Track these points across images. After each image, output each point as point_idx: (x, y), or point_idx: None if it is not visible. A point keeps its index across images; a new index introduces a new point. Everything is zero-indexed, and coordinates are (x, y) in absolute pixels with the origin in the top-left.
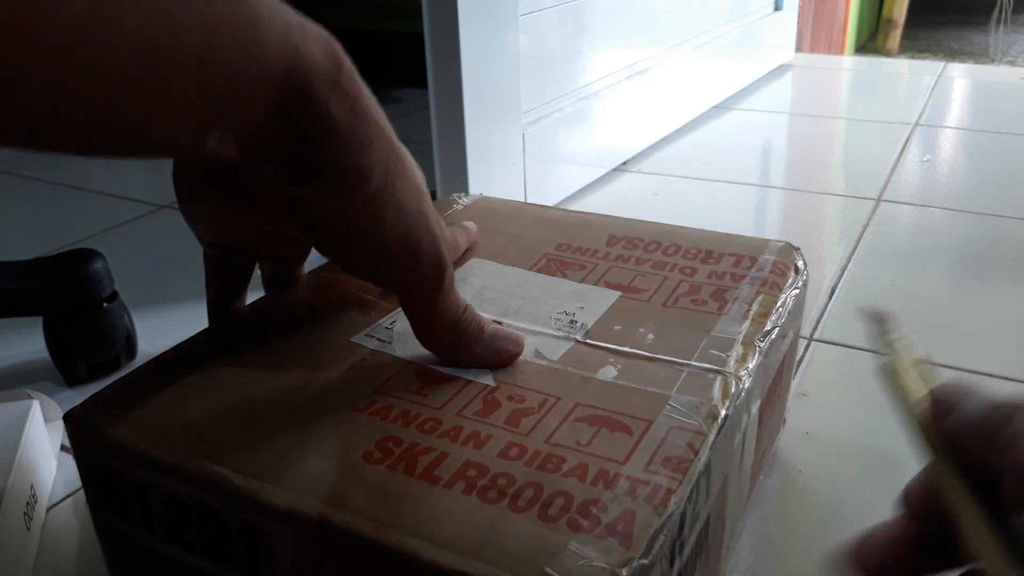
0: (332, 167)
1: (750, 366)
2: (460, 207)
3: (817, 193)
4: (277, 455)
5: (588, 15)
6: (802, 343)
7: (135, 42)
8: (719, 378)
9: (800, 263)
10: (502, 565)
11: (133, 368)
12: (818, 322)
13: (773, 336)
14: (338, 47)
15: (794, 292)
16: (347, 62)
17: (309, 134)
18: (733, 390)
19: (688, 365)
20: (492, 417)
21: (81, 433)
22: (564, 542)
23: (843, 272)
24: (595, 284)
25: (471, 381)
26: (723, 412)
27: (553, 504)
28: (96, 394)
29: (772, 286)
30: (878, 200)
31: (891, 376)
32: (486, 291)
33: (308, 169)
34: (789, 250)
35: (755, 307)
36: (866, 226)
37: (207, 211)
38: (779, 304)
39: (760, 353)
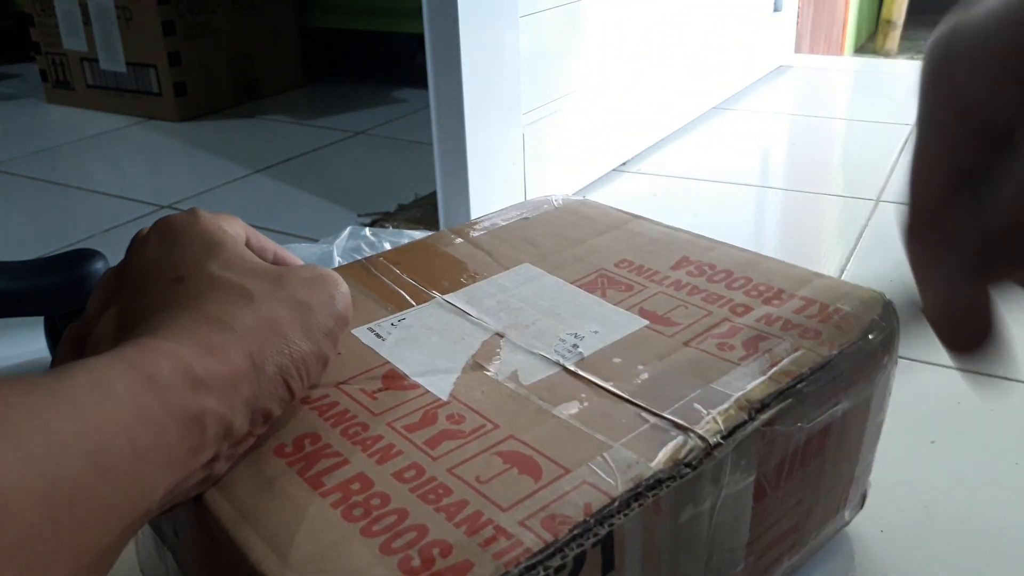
0: None
1: (733, 430)
2: (552, 208)
3: (816, 193)
4: None
5: (588, 16)
6: None
7: None
8: (679, 437)
9: (879, 318)
10: None
11: None
12: None
13: (788, 401)
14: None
15: (852, 353)
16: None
17: None
18: (687, 454)
19: (657, 416)
20: (417, 434)
21: None
22: None
23: (842, 272)
24: (628, 309)
25: (427, 392)
26: (654, 477)
27: (403, 536)
28: None
29: (823, 342)
30: (877, 200)
31: None
32: (512, 299)
33: None
34: (876, 303)
35: (784, 363)
36: (865, 226)
37: None
38: (818, 363)
39: (758, 418)
